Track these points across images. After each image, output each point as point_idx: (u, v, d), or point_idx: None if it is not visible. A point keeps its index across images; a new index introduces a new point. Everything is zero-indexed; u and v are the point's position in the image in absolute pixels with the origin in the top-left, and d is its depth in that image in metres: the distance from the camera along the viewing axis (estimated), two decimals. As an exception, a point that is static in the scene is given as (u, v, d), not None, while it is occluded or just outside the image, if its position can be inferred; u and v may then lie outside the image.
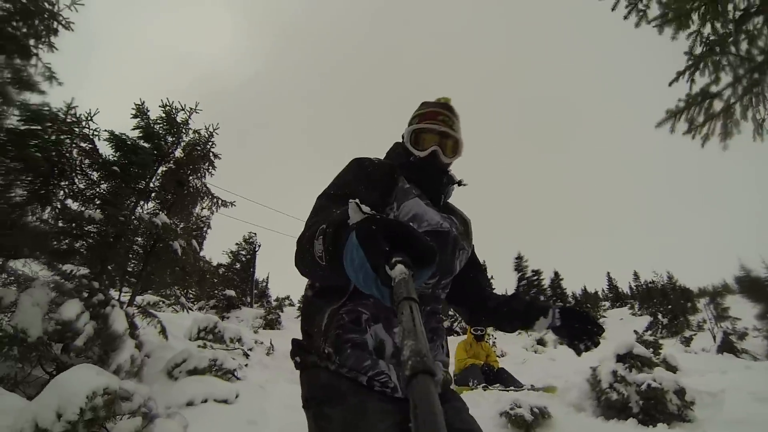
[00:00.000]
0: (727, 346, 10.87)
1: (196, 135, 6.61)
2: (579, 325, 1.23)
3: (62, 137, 5.12)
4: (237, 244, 25.00)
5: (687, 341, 15.17)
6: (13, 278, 4.43)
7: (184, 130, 6.42)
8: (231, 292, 18.71)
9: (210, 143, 6.70)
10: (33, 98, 4.47)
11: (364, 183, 1.11)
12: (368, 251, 0.53)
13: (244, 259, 24.48)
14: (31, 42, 4.43)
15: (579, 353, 1.23)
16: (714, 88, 3.02)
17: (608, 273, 45.89)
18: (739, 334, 12.44)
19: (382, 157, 1.36)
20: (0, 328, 3.91)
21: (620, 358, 4.70)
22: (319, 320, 1.04)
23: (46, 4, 4.45)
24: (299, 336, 1.16)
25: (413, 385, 0.34)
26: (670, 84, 3.18)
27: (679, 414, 3.98)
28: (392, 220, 0.58)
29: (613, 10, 3.30)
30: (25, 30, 4.36)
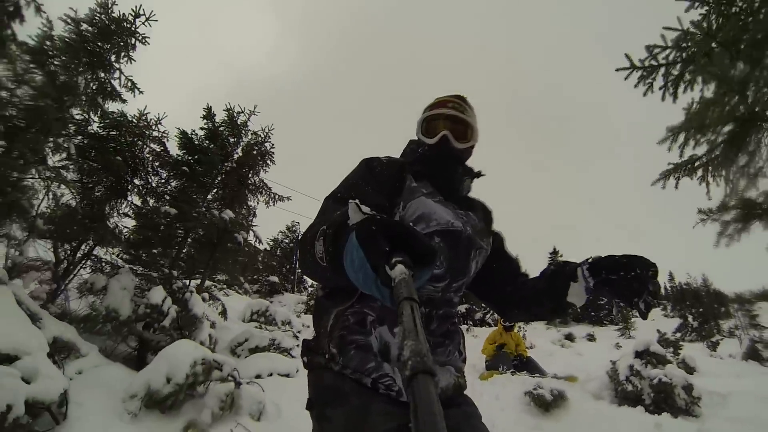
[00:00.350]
0: (752, 353, 10.87)
1: (254, 135, 7.06)
2: (623, 274, 0.97)
3: (135, 140, 5.72)
4: (281, 231, 26.05)
5: (714, 345, 15.04)
6: (102, 266, 5.08)
7: (244, 131, 6.89)
8: (274, 278, 19.73)
9: (267, 143, 7.13)
10: (113, 106, 5.11)
11: (371, 184, 1.09)
12: (368, 251, 0.53)
13: (286, 246, 25.46)
14: (113, 57, 5.05)
15: (643, 316, 0.97)
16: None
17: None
18: (767, 343, 11.88)
19: (398, 155, 1.34)
20: (94, 308, 4.54)
21: (638, 355, 5.27)
22: (325, 320, 1.03)
23: (125, 23, 5.02)
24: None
25: (413, 386, 0.34)
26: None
27: (686, 408, 4.52)
28: (392, 220, 0.57)
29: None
30: (107, 47, 4.96)
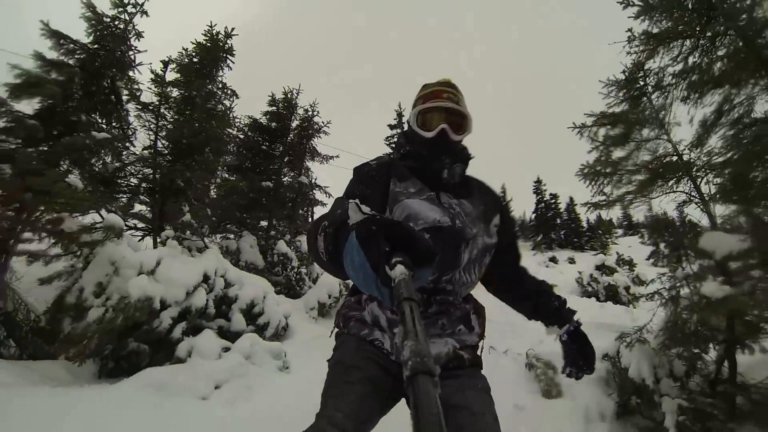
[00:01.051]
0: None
1: (305, 111, 8.64)
2: (578, 351, 1.22)
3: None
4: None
5: (675, 269, 18.53)
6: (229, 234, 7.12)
7: (296, 109, 8.46)
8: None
9: (315, 114, 8.73)
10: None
11: (370, 186, 1.14)
12: (368, 252, 0.54)
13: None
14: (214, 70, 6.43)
15: (563, 373, 1.25)
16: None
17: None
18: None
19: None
20: (237, 264, 6.68)
21: (597, 267, 9.52)
22: (340, 308, 1.25)
23: (219, 42, 6.29)
24: None
25: (413, 386, 0.34)
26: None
27: (627, 302, 8.44)
28: (392, 221, 0.57)
29: None
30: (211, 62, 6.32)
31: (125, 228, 4.01)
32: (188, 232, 4.68)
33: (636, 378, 2.91)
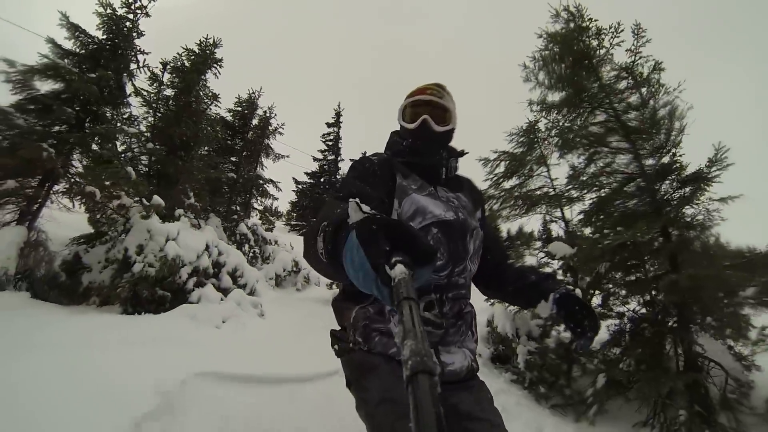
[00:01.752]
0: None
1: (264, 112, 9.95)
2: (576, 316, 1.13)
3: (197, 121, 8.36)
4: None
5: None
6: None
7: (256, 109, 9.74)
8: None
9: (272, 115, 10.06)
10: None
11: (369, 182, 1.12)
12: (368, 251, 0.53)
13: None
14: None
15: (576, 350, 1.19)
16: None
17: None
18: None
19: (382, 149, 1.38)
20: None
21: None
22: (347, 315, 1.14)
23: (208, 51, 7.36)
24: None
25: (413, 385, 0.34)
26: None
27: None
28: (392, 220, 0.57)
29: None
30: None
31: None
32: (190, 212, 5.92)
33: (502, 333, 4.67)
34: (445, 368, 1.08)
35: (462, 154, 1.34)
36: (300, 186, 18.86)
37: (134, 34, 6.52)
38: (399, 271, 0.49)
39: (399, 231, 0.55)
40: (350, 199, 0.64)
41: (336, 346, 1.20)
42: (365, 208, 0.62)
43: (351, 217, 0.61)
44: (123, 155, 5.82)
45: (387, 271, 0.50)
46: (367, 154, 1.29)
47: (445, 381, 1.07)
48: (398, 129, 1.35)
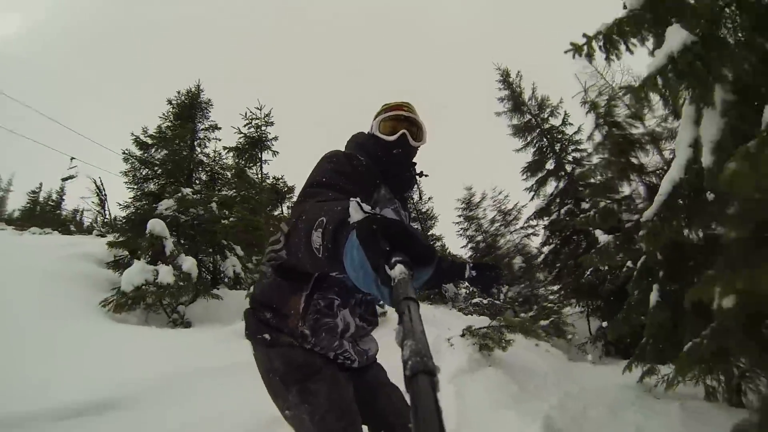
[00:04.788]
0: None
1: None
2: (488, 273, 1.50)
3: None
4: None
5: None
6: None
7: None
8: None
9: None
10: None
11: (351, 179, 1.14)
12: (368, 251, 0.53)
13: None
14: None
15: (493, 297, 2.85)
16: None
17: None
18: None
19: (342, 146, 1.42)
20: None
21: None
22: (294, 302, 1.12)
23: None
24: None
25: (413, 386, 0.34)
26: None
27: None
28: (392, 220, 0.57)
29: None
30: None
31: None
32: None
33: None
34: (368, 353, 1.32)
35: (422, 174, 1.45)
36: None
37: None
38: (399, 271, 0.49)
39: (399, 231, 0.55)
40: (351, 199, 0.65)
41: (267, 335, 1.14)
42: (366, 207, 0.63)
43: (352, 217, 0.62)
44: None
45: (387, 271, 0.50)
46: (339, 150, 1.33)
47: (369, 363, 1.34)
48: (363, 132, 1.43)
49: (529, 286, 11.16)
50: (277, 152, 11.89)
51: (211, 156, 9.11)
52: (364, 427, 1.16)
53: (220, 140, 9.73)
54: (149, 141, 8.49)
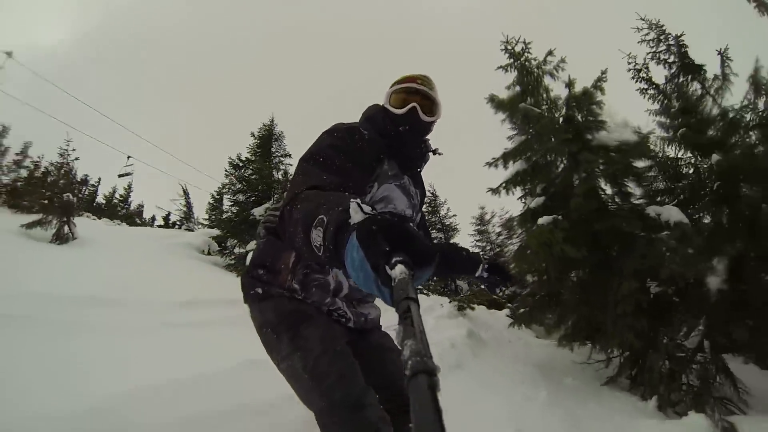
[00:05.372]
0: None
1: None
2: (498, 277, 1.50)
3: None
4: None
5: None
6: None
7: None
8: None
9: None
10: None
11: (352, 157, 1.11)
12: (368, 252, 0.54)
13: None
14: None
15: (495, 294, 2.70)
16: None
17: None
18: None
19: (357, 119, 1.37)
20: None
21: None
22: (285, 258, 1.15)
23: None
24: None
25: (413, 385, 0.34)
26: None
27: None
28: (393, 221, 0.58)
29: None
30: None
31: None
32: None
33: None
34: (368, 317, 1.33)
35: (437, 152, 1.40)
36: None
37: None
38: (399, 271, 0.49)
39: (399, 231, 0.55)
40: (351, 200, 0.65)
41: (258, 289, 1.17)
42: (366, 208, 0.63)
43: (352, 218, 0.62)
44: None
45: (387, 272, 0.51)
46: (344, 123, 1.26)
47: (370, 327, 1.35)
48: (377, 105, 1.36)
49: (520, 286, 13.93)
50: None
51: (283, 177, 12.47)
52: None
53: (291, 165, 13.15)
54: (240, 163, 12.04)
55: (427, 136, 1.37)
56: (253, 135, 13.26)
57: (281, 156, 13.25)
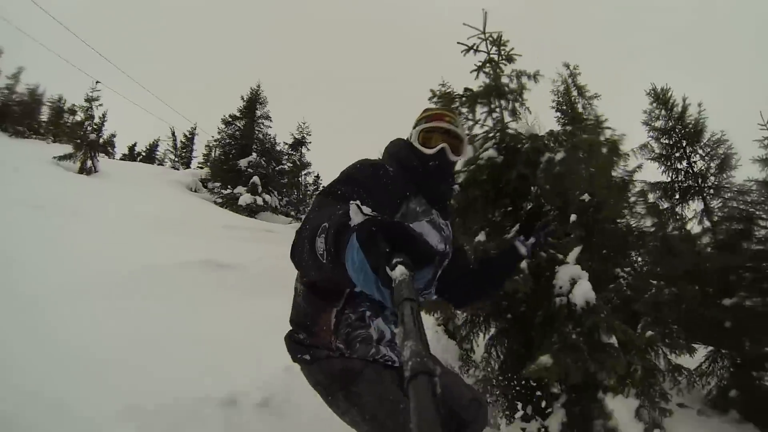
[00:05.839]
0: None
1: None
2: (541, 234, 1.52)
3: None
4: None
5: None
6: None
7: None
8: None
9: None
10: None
11: (372, 193, 1.08)
12: (368, 253, 0.54)
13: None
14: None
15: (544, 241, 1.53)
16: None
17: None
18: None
19: (381, 150, 1.40)
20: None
21: None
22: (325, 319, 1.13)
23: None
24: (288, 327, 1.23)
25: (413, 386, 0.35)
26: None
27: None
28: (393, 222, 0.58)
29: None
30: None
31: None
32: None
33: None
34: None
35: (457, 185, 1.54)
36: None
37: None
38: (399, 272, 0.49)
39: (399, 232, 0.56)
40: (351, 202, 0.66)
41: (307, 355, 1.16)
42: (366, 210, 0.64)
43: (352, 220, 0.62)
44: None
45: (387, 273, 0.51)
46: (369, 159, 1.26)
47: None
48: (401, 139, 1.39)
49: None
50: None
51: (263, 137, 15.27)
52: None
53: (271, 127, 16.05)
54: (230, 120, 14.75)
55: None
56: (242, 98, 16.13)
57: (263, 118, 16.09)
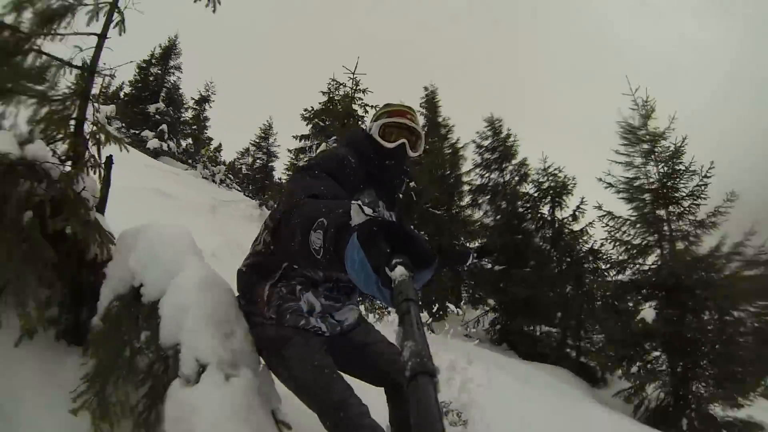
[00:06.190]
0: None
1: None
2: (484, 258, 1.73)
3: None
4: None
5: None
6: None
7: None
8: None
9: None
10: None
11: (341, 179, 1.17)
12: (369, 253, 0.55)
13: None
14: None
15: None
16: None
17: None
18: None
19: (343, 138, 1.47)
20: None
21: None
22: (260, 291, 1.25)
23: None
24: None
25: (413, 386, 0.35)
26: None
27: None
28: (393, 223, 0.59)
29: None
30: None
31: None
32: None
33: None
34: (344, 324, 1.38)
35: (411, 179, 2.79)
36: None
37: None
38: (399, 272, 0.50)
39: (399, 233, 0.57)
40: (353, 201, 0.66)
41: (249, 323, 1.27)
42: (367, 210, 0.64)
43: (353, 220, 0.63)
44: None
45: (387, 273, 0.51)
46: (336, 150, 1.37)
47: (349, 329, 1.42)
48: (361, 130, 1.47)
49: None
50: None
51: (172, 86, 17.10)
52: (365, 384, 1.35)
53: (181, 78, 17.94)
54: (143, 65, 16.31)
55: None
56: (160, 46, 17.83)
57: (175, 68, 18.06)
